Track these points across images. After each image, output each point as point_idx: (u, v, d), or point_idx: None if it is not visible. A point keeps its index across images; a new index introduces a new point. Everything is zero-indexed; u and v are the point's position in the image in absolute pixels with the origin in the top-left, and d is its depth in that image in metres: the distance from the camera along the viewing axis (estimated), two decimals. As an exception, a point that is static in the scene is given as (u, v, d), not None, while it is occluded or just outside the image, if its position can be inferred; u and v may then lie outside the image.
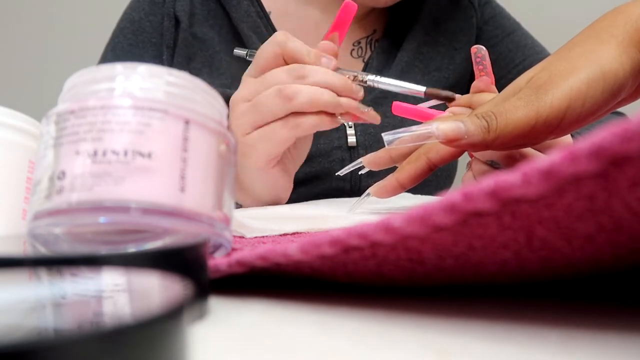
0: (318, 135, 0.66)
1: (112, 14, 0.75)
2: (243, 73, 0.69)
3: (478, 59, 0.47)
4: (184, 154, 0.21)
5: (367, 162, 0.45)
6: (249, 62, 0.68)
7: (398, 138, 0.37)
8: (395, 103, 0.48)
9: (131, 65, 0.22)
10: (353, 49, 0.74)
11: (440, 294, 0.21)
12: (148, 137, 0.21)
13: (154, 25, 0.70)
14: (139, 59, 0.70)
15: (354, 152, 0.67)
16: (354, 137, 0.67)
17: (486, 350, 0.15)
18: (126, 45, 0.71)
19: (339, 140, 0.67)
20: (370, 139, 0.68)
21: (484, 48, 0.47)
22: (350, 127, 0.68)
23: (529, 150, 0.43)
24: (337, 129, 0.67)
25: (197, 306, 0.18)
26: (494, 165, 0.43)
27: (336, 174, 0.52)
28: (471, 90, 0.48)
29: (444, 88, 0.73)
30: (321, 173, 0.66)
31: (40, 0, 1.40)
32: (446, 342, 0.16)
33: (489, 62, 0.47)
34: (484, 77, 0.46)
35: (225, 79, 0.68)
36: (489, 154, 0.43)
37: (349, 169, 0.45)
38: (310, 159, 0.66)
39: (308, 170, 0.66)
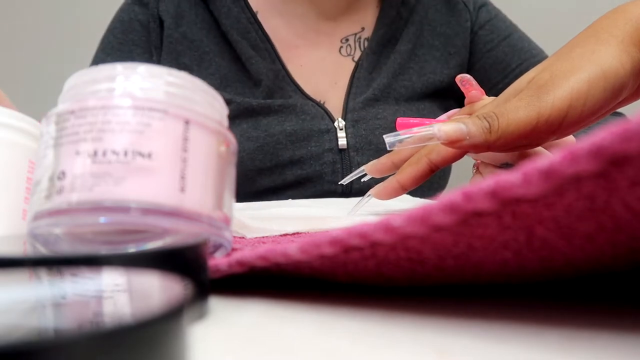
0: (309, 139, 0.66)
1: (112, 15, 0.76)
2: (234, 75, 0.69)
3: (464, 82, 0.47)
4: (184, 154, 0.21)
5: (370, 169, 0.45)
6: (239, 64, 0.68)
7: (399, 140, 0.37)
8: (400, 120, 0.48)
9: (131, 66, 0.22)
10: (342, 47, 0.73)
11: (440, 294, 0.21)
12: (148, 137, 0.21)
13: (143, 25, 0.71)
14: (128, 57, 0.71)
15: (344, 155, 0.67)
16: (345, 139, 0.67)
17: (486, 350, 0.15)
18: (116, 44, 0.72)
19: (330, 143, 0.67)
20: (361, 142, 0.67)
21: (466, 75, 0.47)
22: (342, 129, 0.67)
23: (540, 149, 0.42)
24: (327, 131, 0.67)
25: (197, 306, 0.18)
26: (507, 168, 0.43)
27: (339, 182, 0.52)
28: (465, 103, 0.47)
29: (439, 90, 0.73)
30: (312, 175, 0.66)
31: (41, 0, 1.40)
32: (446, 342, 0.16)
33: (475, 82, 0.47)
34: (473, 92, 0.46)
35: (215, 79, 0.69)
36: (502, 156, 0.43)
37: (352, 177, 0.45)
38: (301, 161, 0.66)
39: (299, 172, 0.66)
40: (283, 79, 0.69)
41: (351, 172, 0.65)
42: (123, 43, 0.71)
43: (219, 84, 0.68)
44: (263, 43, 0.69)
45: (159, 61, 0.70)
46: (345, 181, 0.46)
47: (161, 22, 0.70)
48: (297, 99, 0.68)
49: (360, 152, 0.67)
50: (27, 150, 0.29)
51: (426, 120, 0.46)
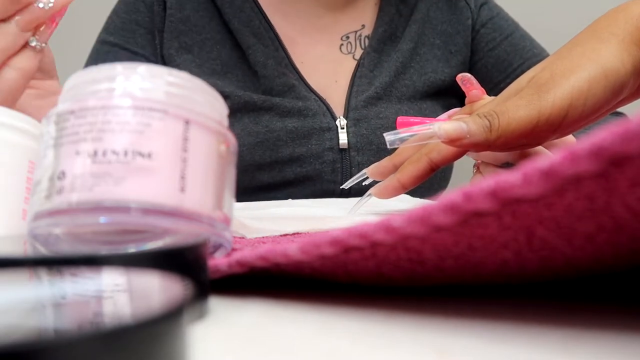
0: (309, 136, 0.66)
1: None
2: (234, 63, 0.69)
3: (465, 81, 0.46)
4: (184, 154, 0.21)
5: (371, 172, 0.44)
6: (240, 52, 0.68)
7: (400, 138, 0.37)
8: (400, 119, 0.48)
9: (131, 66, 0.22)
10: (342, 44, 0.73)
11: (440, 294, 0.21)
12: (148, 137, 0.21)
13: (147, 6, 0.71)
14: (131, 37, 0.70)
15: (345, 155, 0.66)
16: (346, 138, 0.66)
17: (486, 350, 0.15)
18: (119, 24, 0.72)
19: (331, 142, 0.66)
20: (363, 141, 0.67)
21: (466, 74, 0.47)
22: (343, 128, 0.67)
23: (540, 149, 0.42)
24: (328, 129, 0.67)
25: (197, 306, 0.18)
26: (508, 167, 0.43)
27: (341, 187, 0.51)
28: (465, 103, 0.47)
29: (440, 89, 0.73)
30: (312, 174, 0.66)
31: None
32: (446, 342, 0.16)
33: (476, 81, 0.47)
34: (473, 91, 0.46)
35: (216, 64, 0.69)
36: (502, 156, 0.43)
37: (354, 181, 0.45)
38: (301, 159, 0.65)
39: (298, 170, 0.65)
40: (286, 67, 0.68)
41: (351, 173, 0.65)
42: (126, 22, 0.71)
43: (220, 69, 0.68)
44: (267, 32, 0.69)
45: (161, 44, 0.70)
46: (347, 185, 0.46)
47: (165, 6, 0.70)
48: (300, 90, 0.67)
49: (361, 152, 0.66)
50: (27, 150, 0.29)
51: (427, 119, 0.46)
